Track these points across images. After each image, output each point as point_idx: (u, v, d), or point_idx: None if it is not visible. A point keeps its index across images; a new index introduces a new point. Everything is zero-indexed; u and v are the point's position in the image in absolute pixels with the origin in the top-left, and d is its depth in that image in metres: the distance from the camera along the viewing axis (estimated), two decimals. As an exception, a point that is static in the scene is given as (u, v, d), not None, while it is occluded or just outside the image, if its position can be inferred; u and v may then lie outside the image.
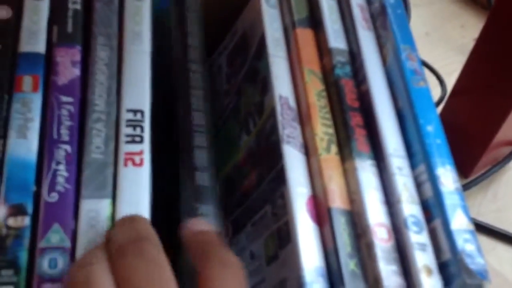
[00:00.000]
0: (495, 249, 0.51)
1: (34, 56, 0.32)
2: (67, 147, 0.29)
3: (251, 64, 0.39)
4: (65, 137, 0.30)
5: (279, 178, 0.32)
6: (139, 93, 0.32)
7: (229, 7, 0.43)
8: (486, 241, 0.51)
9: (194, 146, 0.31)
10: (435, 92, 0.61)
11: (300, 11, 0.37)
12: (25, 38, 0.32)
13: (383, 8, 0.36)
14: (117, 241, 0.25)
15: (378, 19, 0.36)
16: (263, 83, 0.36)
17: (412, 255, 0.28)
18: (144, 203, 0.29)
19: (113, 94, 0.32)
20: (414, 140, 0.32)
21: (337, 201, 0.30)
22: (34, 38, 0.32)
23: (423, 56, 0.37)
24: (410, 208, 0.29)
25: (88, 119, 0.31)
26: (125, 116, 0.31)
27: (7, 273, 0.26)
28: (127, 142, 0.30)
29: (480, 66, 0.49)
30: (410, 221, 0.29)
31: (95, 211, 0.28)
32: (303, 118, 0.34)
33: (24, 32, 0.32)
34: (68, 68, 0.32)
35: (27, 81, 0.31)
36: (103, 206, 0.28)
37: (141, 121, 0.31)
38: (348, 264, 0.28)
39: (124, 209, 0.28)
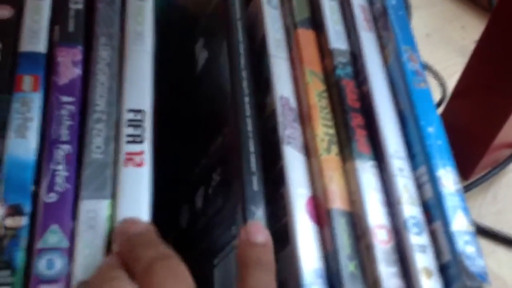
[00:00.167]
0: (494, 252, 0.51)
1: (35, 55, 0.32)
2: (67, 147, 0.29)
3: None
4: (65, 137, 0.30)
5: (279, 179, 0.32)
6: (140, 93, 0.32)
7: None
8: (486, 244, 0.51)
9: (251, 152, 0.31)
10: (436, 94, 0.61)
11: (301, 12, 0.37)
12: (26, 38, 0.32)
13: (384, 9, 0.36)
14: (142, 258, 0.25)
15: (379, 20, 0.36)
16: (266, 83, 0.36)
17: (412, 257, 0.28)
18: (144, 203, 0.29)
19: (114, 94, 0.32)
20: (415, 141, 0.32)
21: (337, 202, 0.30)
22: (35, 38, 0.32)
23: (424, 57, 0.37)
24: (410, 210, 0.29)
25: (88, 119, 0.30)
26: (126, 116, 0.31)
27: (3, 273, 0.26)
28: (128, 142, 0.30)
29: (481, 67, 0.49)
30: (410, 222, 0.29)
31: (94, 212, 0.28)
32: (304, 119, 0.34)
33: (25, 31, 0.32)
34: (69, 68, 0.32)
35: (27, 80, 0.31)
36: (102, 207, 0.28)
37: (142, 121, 0.31)
38: (348, 266, 0.28)
39: (124, 210, 0.28)
